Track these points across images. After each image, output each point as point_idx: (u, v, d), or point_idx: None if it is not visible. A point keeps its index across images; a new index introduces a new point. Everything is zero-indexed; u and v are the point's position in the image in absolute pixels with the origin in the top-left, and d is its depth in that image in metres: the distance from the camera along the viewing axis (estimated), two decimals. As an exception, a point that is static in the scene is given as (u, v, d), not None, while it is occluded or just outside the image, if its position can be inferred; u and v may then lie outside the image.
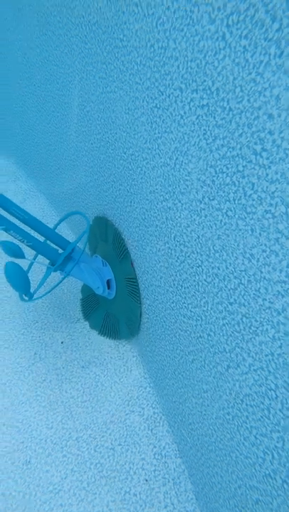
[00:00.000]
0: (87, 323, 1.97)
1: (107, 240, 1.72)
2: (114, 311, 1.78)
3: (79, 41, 1.46)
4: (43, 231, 1.53)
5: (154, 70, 1.04)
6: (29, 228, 1.51)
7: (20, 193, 2.62)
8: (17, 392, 1.70)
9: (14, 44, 2.05)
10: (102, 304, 1.89)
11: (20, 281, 1.48)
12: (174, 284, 1.23)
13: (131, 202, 1.41)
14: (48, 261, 1.60)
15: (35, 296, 1.55)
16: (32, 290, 1.58)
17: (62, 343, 1.89)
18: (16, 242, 1.47)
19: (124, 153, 1.35)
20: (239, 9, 0.70)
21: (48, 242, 1.59)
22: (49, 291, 1.50)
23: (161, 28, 0.97)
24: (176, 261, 1.18)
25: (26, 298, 1.55)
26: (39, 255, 1.58)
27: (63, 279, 1.52)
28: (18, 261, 1.54)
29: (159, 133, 1.09)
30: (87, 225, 1.53)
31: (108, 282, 1.73)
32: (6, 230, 1.41)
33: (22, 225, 1.50)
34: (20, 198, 2.61)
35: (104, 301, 1.85)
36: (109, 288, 1.74)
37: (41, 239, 1.57)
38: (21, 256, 1.42)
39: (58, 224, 1.72)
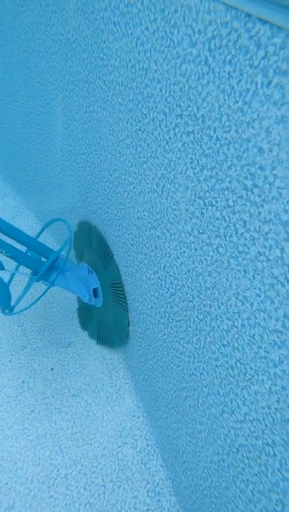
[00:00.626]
0: (78, 347, 1.89)
1: (91, 245, 1.64)
2: (104, 318, 1.70)
3: (60, 59, 1.39)
4: (24, 240, 1.44)
5: (137, 91, 0.97)
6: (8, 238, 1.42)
7: (9, 210, 2.54)
8: (2, 425, 1.61)
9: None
10: (94, 312, 1.81)
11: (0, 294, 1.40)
12: (165, 316, 1.16)
13: (119, 226, 1.34)
14: (30, 271, 1.51)
15: (17, 309, 1.47)
16: (14, 303, 1.50)
17: (52, 369, 1.81)
18: None
19: (111, 176, 1.28)
20: (221, 33, 0.63)
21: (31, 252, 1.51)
22: (33, 303, 1.42)
23: (141, 49, 0.90)
24: (167, 292, 1.11)
25: (7, 311, 1.47)
26: (22, 266, 1.50)
27: (47, 289, 1.44)
28: None
29: (144, 157, 1.02)
30: (69, 233, 1.44)
31: (95, 290, 1.65)
32: None
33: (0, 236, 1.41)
34: (9, 215, 2.54)
35: (95, 309, 1.78)
36: (96, 296, 1.66)
37: (22, 248, 1.48)
38: (0, 267, 1.34)
39: (40, 232, 1.63)
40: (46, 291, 1.42)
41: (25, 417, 1.64)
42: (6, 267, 1.41)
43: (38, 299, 1.39)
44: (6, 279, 1.59)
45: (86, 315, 1.88)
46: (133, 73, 0.96)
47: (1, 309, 1.47)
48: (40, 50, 1.53)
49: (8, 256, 1.39)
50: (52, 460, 1.53)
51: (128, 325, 1.52)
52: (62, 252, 1.50)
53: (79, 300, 1.94)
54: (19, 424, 1.61)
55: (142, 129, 0.99)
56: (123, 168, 1.17)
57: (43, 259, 1.51)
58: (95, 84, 1.20)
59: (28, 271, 1.52)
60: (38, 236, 1.62)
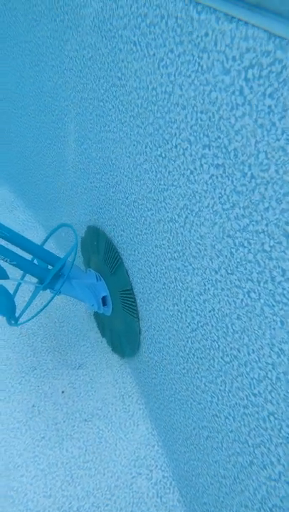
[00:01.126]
0: (89, 368, 1.83)
1: (99, 251, 1.57)
2: (115, 327, 1.63)
3: (73, 75, 1.34)
4: (29, 248, 1.38)
5: (158, 115, 0.91)
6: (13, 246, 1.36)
7: (18, 223, 2.50)
8: (12, 453, 1.55)
9: (6, 73, 1.93)
10: (105, 321, 1.75)
11: (4, 304, 1.33)
12: (185, 350, 1.09)
13: (135, 251, 1.27)
14: (36, 280, 1.45)
15: (22, 320, 1.41)
16: (19, 313, 1.44)
17: (62, 392, 1.75)
18: None
19: (126, 199, 1.22)
20: (261, 63, 0.56)
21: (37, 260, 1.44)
22: (38, 313, 1.35)
23: (164, 71, 0.84)
24: (188, 327, 1.04)
25: (13, 322, 1.40)
26: (28, 275, 1.43)
27: (53, 297, 1.37)
28: (2, 282, 1.39)
29: (165, 185, 0.96)
30: (76, 238, 1.37)
31: (104, 298, 1.57)
32: None
33: (4, 243, 1.35)
34: (18, 228, 2.49)
35: (105, 318, 1.71)
36: (105, 304, 1.59)
37: (28, 257, 1.42)
38: (4, 277, 1.28)
39: (46, 239, 1.56)
40: (52, 299, 1.36)
41: (36, 444, 1.58)
42: (10, 276, 1.34)
43: (43, 308, 1.32)
44: (10, 289, 1.52)
45: (100, 323, 1.82)
46: (154, 96, 0.90)
47: (7, 320, 1.41)
48: (53, 65, 1.47)
49: (13, 264, 1.32)
50: (64, 491, 1.47)
51: (139, 333, 1.44)
52: (68, 259, 1.43)
53: None
54: (30, 451, 1.55)
55: (163, 155, 0.92)
56: (140, 193, 1.10)
57: (50, 267, 1.44)
58: (111, 104, 1.14)
59: (34, 279, 1.45)
60: (44, 243, 1.56)
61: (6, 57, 1.86)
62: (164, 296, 1.15)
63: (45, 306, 1.33)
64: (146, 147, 1.00)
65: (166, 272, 1.09)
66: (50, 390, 1.75)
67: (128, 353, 1.61)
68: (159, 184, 0.98)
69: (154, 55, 0.86)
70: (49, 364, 1.84)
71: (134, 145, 1.07)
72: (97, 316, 1.88)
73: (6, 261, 1.30)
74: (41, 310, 1.35)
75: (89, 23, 1.12)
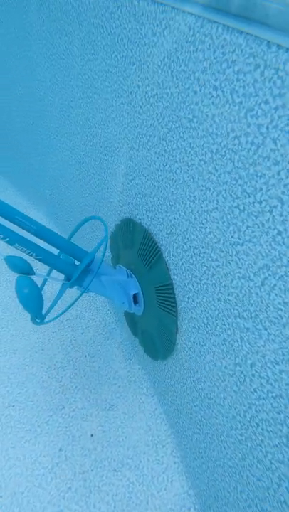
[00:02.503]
0: (120, 411, 1.72)
1: (133, 245, 1.46)
2: (148, 327, 1.52)
3: (131, 110, 1.29)
4: (56, 242, 1.30)
5: (239, 165, 0.84)
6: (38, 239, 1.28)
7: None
8: (36, 506, 1.44)
9: (54, 103, 1.92)
10: (137, 321, 1.64)
11: (32, 301, 1.24)
12: (246, 417, 0.99)
13: (188, 299, 1.19)
14: (63, 276, 1.36)
15: (48, 319, 1.32)
16: (45, 311, 1.34)
17: (91, 436, 1.64)
18: (23, 256, 1.24)
19: (185, 244, 1.14)
20: None
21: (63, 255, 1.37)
22: (64, 311, 1.26)
23: (252, 122, 0.77)
24: (252, 393, 0.94)
25: (38, 321, 1.32)
26: (54, 270, 1.35)
27: (81, 295, 1.28)
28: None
29: (239, 239, 0.88)
30: (106, 231, 1.28)
31: (135, 296, 1.47)
32: (10, 243, 1.19)
33: (30, 237, 1.27)
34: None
35: (137, 318, 1.60)
36: (136, 303, 1.49)
37: (54, 251, 1.33)
38: (30, 272, 1.19)
39: (73, 232, 1.47)
40: (79, 297, 1.26)
41: (62, 496, 1.47)
42: (37, 272, 1.26)
43: (70, 306, 1.23)
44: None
45: (132, 323, 1.72)
46: (236, 145, 0.83)
47: (32, 318, 1.33)
48: (107, 98, 1.44)
49: (38, 259, 1.24)
50: None
51: (176, 332, 1.33)
52: (97, 254, 1.34)
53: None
54: (54, 504, 1.45)
55: (242, 208, 0.85)
56: (205, 241, 1.03)
57: (77, 262, 1.36)
58: (176, 144, 1.08)
59: (61, 276, 1.37)
60: (71, 237, 1.46)
61: (55, 87, 1.84)
62: (222, 353, 1.06)
63: (73, 304, 1.23)
64: (218, 195, 0.93)
65: (228, 329, 1.00)
66: (78, 433, 1.65)
67: (161, 356, 1.49)
68: (232, 237, 0.91)
69: (240, 103, 0.80)
70: (78, 403, 1.75)
71: (201, 190, 1.00)
72: (128, 318, 1.78)
73: (32, 255, 1.23)
74: (68, 308, 1.24)
75: (157, 62, 1.07)
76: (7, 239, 1.17)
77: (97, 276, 1.37)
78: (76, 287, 1.36)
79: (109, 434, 1.65)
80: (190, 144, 1.01)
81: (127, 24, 1.16)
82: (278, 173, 0.73)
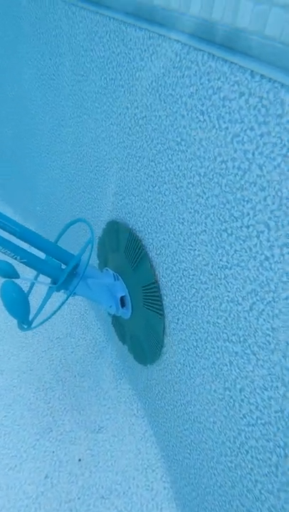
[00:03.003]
0: (110, 433, 1.68)
1: (118, 247, 1.45)
2: (135, 331, 1.50)
3: (120, 131, 1.30)
4: (42, 245, 1.27)
5: (226, 189, 0.84)
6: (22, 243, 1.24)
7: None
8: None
9: (44, 121, 1.93)
10: (125, 326, 1.62)
11: (19, 306, 1.21)
12: (235, 443, 0.97)
13: (178, 320, 1.18)
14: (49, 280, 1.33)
15: (34, 323, 1.29)
16: (32, 316, 1.31)
17: (79, 460, 1.60)
18: (7, 259, 1.20)
19: (174, 265, 1.14)
20: None
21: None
22: (50, 316, 1.22)
23: (238, 147, 0.78)
24: (242, 419, 0.92)
25: (25, 326, 1.28)
26: (42, 274, 1.31)
27: (67, 298, 1.25)
28: (17, 281, 1.27)
29: (228, 263, 0.88)
30: (92, 234, 1.26)
31: (122, 299, 1.45)
32: None
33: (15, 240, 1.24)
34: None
35: (125, 322, 1.58)
36: (123, 306, 1.46)
37: (40, 254, 1.30)
38: (15, 275, 1.16)
39: (60, 235, 1.44)
40: (66, 300, 1.24)
41: (48, 527, 1.42)
42: (25, 276, 1.24)
43: (56, 310, 1.19)
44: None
45: (120, 329, 1.70)
46: (223, 169, 0.84)
47: (18, 324, 1.29)
48: (97, 119, 1.45)
49: (23, 262, 1.21)
50: None
51: (163, 334, 1.30)
52: (83, 257, 1.32)
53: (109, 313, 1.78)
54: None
55: (230, 231, 0.85)
56: (194, 263, 1.02)
57: (64, 266, 1.33)
58: (164, 166, 1.08)
59: (47, 279, 1.34)
60: (58, 240, 1.44)
61: (46, 106, 1.86)
62: (212, 376, 1.04)
63: (59, 308, 1.20)
64: (206, 218, 0.93)
65: (218, 352, 0.99)
66: (65, 458, 1.60)
67: (150, 360, 1.47)
68: (220, 260, 0.90)
69: (226, 128, 0.80)
70: (66, 425, 1.71)
71: (190, 213, 1.00)
72: (115, 323, 1.76)
73: (16, 258, 1.20)
74: (54, 313, 1.21)
75: (146, 86, 1.08)
76: None
77: (84, 279, 1.34)
78: (63, 291, 1.33)
79: (98, 458, 1.61)
80: (178, 166, 1.01)
81: (116, 48, 1.17)
82: (264, 198, 0.73)
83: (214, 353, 1.01)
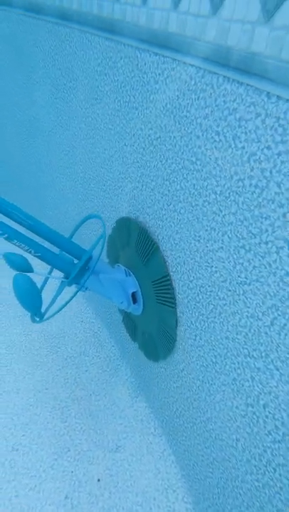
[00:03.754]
0: (128, 452, 1.67)
1: (129, 243, 1.45)
2: (147, 327, 1.49)
3: (134, 151, 1.33)
4: (54, 239, 1.28)
5: (244, 207, 0.86)
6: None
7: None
8: None
9: (59, 142, 1.98)
10: (137, 322, 1.61)
11: (31, 299, 1.21)
12: (261, 460, 0.96)
13: (195, 336, 1.18)
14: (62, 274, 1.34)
15: (46, 316, 1.28)
16: (44, 309, 1.31)
17: (98, 480, 1.58)
18: (22, 253, 1.20)
19: (190, 282, 1.15)
20: None
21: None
22: (61, 308, 1.22)
23: (255, 166, 0.80)
24: (267, 435, 0.91)
25: (37, 319, 1.28)
26: (55, 268, 1.32)
27: (77, 292, 1.25)
28: (31, 275, 1.27)
29: (247, 279, 0.89)
30: (103, 229, 1.27)
31: (133, 295, 1.44)
32: (8, 239, 1.16)
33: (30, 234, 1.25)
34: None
35: (137, 319, 1.57)
36: (135, 302, 1.45)
37: (54, 249, 1.31)
38: (28, 269, 1.16)
39: (74, 231, 1.44)
40: (76, 294, 1.24)
41: None
42: (39, 271, 1.23)
43: (66, 303, 1.20)
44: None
45: (132, 326, 1.69)
46: (240, 187, 0.85)
47: (31, 317, 1.29)
48: (110, 140, 1.49)
49: (37, 256, 1.22)
50: None
51: (176, 326, 1.29)
52: (95, 252, 1.32)
53: (121, 311, 1.78)
54: None
55: (248, 248, 0.86)
56: (211, 279, 1.03)
57: (76, 261, 1.33)
58: (179, 185, 1.11)
59: (60, 274, 1.34)
60: (72, 236, 1.44)
61: (59, 127, 1.91)
62: (233, 393, 1.03)
63: (69, 302, 1.21)
64: (223, 235, 0.95)
65: (238, 368, 0.99)
66: (84, 478, 1.59)
67: (162, 355, 1.45)
68: (238, 276, 0.91)
69: (243, 148, 0.82)
70: (84, 445, 1.69)
71: (206, 230, 1.02)
72: (126, 321, 1.76)
73: (30, 252, 1.20)
74: (64, 305, 1.22)
75: (160, 108, 1.12)
76: (6, 235, 1.16)
77: (96, 274, 1.35)
78: (75, 285, 1.34)
79: (117, 478, 1.59)
80: (194, 185, 1.04)
81: (130, 72, 1.21)
82: (284, 215, 0.74)
83: (235, 369, 1.01)
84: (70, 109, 1.74)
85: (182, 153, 1.06)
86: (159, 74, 1.07)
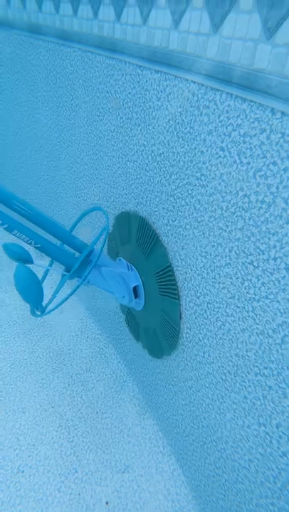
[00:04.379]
0: (136, 472, 1.62)
1: (130, 238, 1.43)
2: (150, 322, 1.46)
3: (138, 167, 1.33)
4: (55, 231, 1.25)
5: (250, 223, 0.84)
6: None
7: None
8: None
9: (60, 158, 1.99)
10: (139, 319, 1.58)
11: (32, 291, 1.18)
12: (276, 484, 0.92)
13: (204, 353, 1.16)
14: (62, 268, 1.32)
15: (47, 310, 1.25)
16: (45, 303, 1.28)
17: (107, 503, 1.54)
18: (22, 244, 1.18)
19: (198, 298, 1.13)
20: None
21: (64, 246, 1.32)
22: (62, 302, 1.20)
23: (262, 181, 0.79)
24: (281, 457, 0.88)
25: (38, 312, 1.25)
26: (56, 261, 1.29)
27: (78, 285, 1.22)
28: (32, 268, 1.23)
29: (255, 295, 0.87)
30: (107, 222, 1.24)
31: (135, 289, 1.41)
32: (8, 230, 1.14)
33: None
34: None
35: (138, 315, 1.54)
36: (137, 296, 1.42)
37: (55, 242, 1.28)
38: (28, 260, 1.14)
39: (75, 223, 1.42)
40: (77, 287, 1.21)
41: None
42: (37, 264, 1.21)
43: (68, 297, 1.17)
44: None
45: (134, 324, 1.66)
46: (246, 203, 0.84)
47: (31, 310, 1.26)
48: (113, 156, 1.49)
49: (37, 248, 1.19)
50: None
51: (180, 318, 1.26)
52: (96, 247, 1.30)
53: (123, 309, 1.74)
54: None
55: (256, 264, 0.85)
56: (219, 296, 1.02)
57: (77, 255, 1.31)
58: (184, 200, 1.10)
59: (61, 268, 1.32)
60: (73, 229, 1.42)
61: (62, 144, 1.92)
62: (244, 411, 1.01)
63: (71, 295, 1.17)
64: (230, 251, 0.93)
65: (249, 386, 0.96)
66: (92, 501, 1.54)
67: (166, 350, 1.42)
68: (247, 293, 0.90)
69: (248, 163, 0.82)
70: (91, 465, 1.66)
71: (213, 246, 1.00)
72: (129, 320, 1.73)
73: (31, 243, 1.18)
74: (66, 299, 1.18)
75: (163, 124, 1.12)
76: (6, 225, 1.14)
77: (98, 267, 1.33)
78: (76, 279, 1.31)
79: (126, 500, 1.55)
80: (199, 200, 1.03)
81: (132, 89, 1.22)
82: (292, 231, 0.73)
83: (245, 387, 0.98)
84: (73, 127, 1.75)
85: (186, 168, 1.06)
86: (161, 91, 1.07)
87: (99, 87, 1.42)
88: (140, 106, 1.21)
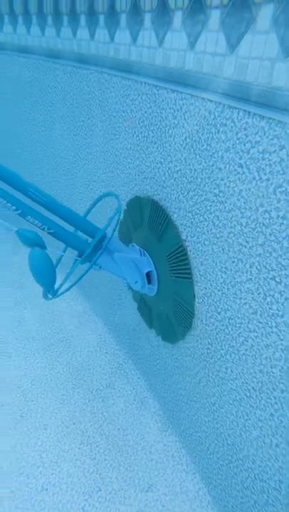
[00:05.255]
0: (160, 491, 1.60)
1: (142, 222, 1.43)
2: (163, 307, 1.44)
3: (154, 184, 1.34)
4: (68, 216, 1.26)
5: (271, 238, 0.84)
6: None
7: (76, 315, 2.45)
8: None
9: (76, 176, 2.03)
10: (152, 306, 1.57)
11: (46, 274, 1.20)
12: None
13: (226, 369, 1.15)
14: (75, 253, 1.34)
15: (60, 292, 1.27)
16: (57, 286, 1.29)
17: (131, 523, 1.52)
18: (36, 230, 1.20)
19: (219, 314, 1.12)
20: None
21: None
22: (74, 284, 1.22)
23: (283, 198, 0.79)
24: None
25: (50, 296, 1.26)
26: (68, 246, 1.31)
27: (89, 269, 1.24)
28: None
29: (278, 310, 0.86)
30: (119, 206, 1.24)
31: (148, 275, 1.40)
32: (22, 216, 1.16)
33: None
34: (76, 320, 2.45)
35: (151, 301, 1.54)
36: (150, 282, 1.40)
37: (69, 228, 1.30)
38: (42, 246, 1.16)
39: (89, 210, 1.43)
40: (89, 269, 1.23)
41: None
42: (49, 248, 1.23)
43: (79, 279, 1.19)
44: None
45: (147, 311, 1.66)
46: (267, 219, 0.84)
47: (43, 293, 1.27)
48: (129, 173, 1.51)
49: (50, 233, 1.21)
50: None
51: (194, 298, 1.25)
52: (108, 230, 1.31)
53: (135, 297, 1.74)
54: None
55: (278, 280, 0.84)
56: (240, 312, 1.01)
57: (90, 240, 1.31)
58: (202, 216, 1.10)
59: (74, 253, 1.34)
60: (87, 214, 1.43)
61: (79, 162, 1.96)
62: (271, 429, 0.99)
63: (82, 277, 1.20)
64: (251, 267, 0.93)
65: (275, 403, 0.95)
66: (117, 520, 1.52)
67: (180, 334, 1.40)
68: (270, 308, 0.89)
69: (267, 180, 0.82)
70: (114, 484, 1.64)
71: (233, 262, 1.00)
72: (141, 308, 1.72)
73: (44, 229, 1.19)
74: (77, 281, 1.20)
75: (179, 142, 1.13)
76: (19, 211, 1.16)
77: (110, 253, 1.34)
78: (88, 263, 1.32)
79: (150, 519, 1.52)
80: (217, 216, 1.03)
81: (148, 109, 1.24)
82: (316, 247, 0.73)
83: (271, 404, 0.96)
84: (89, 145, 1.79)
85: (204, 185, 1.06)
86: (178, 109, 1.09)
87: (115, 107, 1.45)
88: (156, 124, 1.23)
